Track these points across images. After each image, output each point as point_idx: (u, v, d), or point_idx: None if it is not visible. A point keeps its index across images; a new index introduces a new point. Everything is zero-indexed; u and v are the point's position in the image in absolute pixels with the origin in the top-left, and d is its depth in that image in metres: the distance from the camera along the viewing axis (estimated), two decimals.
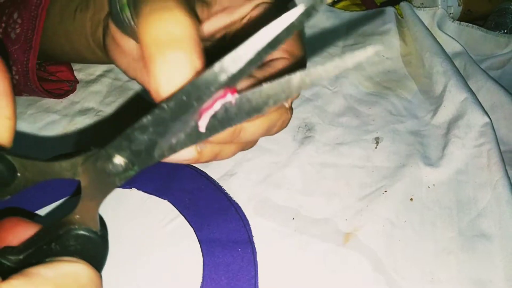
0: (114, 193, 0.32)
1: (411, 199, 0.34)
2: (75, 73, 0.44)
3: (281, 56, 0.25)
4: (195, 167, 0.36)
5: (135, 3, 0.22)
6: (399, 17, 0.53)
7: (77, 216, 0.19)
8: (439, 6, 0.51)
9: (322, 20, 0.53)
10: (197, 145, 0.20)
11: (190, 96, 0.16)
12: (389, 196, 0.34)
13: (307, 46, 0.49)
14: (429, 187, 0.35)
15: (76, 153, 0.19)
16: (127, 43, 0.27)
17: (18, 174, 0.19)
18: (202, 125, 0.18)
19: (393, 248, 0.31)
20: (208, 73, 0.16)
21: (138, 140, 0.17)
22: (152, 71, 0.18)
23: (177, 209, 0.33)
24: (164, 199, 0.34)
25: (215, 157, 0.23)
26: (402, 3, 0.52)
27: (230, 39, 0.28)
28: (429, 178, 0.36)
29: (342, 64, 0.15)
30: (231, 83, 0.16)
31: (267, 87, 0.16)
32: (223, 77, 0.16)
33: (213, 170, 0.36)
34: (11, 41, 0.35)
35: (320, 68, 0.15)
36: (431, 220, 0.33)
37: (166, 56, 0.18)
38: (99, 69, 0.45)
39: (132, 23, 0.24)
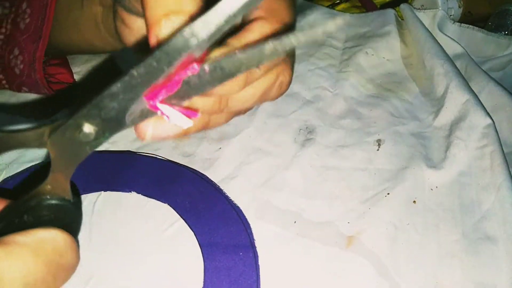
0: (114, 197, 0.32)
1: (414, 201, 0.34)
2: (74, 76, 0.43)
3: (259, 16, 0.22)
4: (195, 170, 0.35)
5: None
6: (400, 19, 0.53)
7: (48, 186, 0.19)
8: (440, 8, 0.51)
9: (322, 22, 0.53)
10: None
11: (160, 61, 0.16)
12: (392, 199, 0.34)
13: (307, 47, 0.49)
14: (432, 189, 0.35)
15: (42, 123, 0.18)
16: (135, 22, 0.27)
17: None
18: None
19: (396, 252, 0.31)
20: (178, 38, 0.16)
21: (108, 107, 0.17)
22: (158, 36, 0.18)
23: (177, 212, 0.33)
24: (164, 202, 0.33)
25: (205, 127, 0.22)
26: (402, 5, 0.52)
27: None
28: (432, 180, 0.36)
29: (312, 33, 0.16)
30: (201, 48, 0.16)
31: (240, 55, 0.17)
32: (193, 42, 0.16)
33: (214, 173, 0.35)
34: (20, 31, 0.35)
35: (292, 37, 0.16)
36: (434, 222, 0.33)
37: (173, 23, 0.18)
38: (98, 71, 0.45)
39: None
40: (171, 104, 0.18)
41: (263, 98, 0.22)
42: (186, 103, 0.18)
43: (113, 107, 0.17)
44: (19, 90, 0.39)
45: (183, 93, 0.18)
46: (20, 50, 0.35)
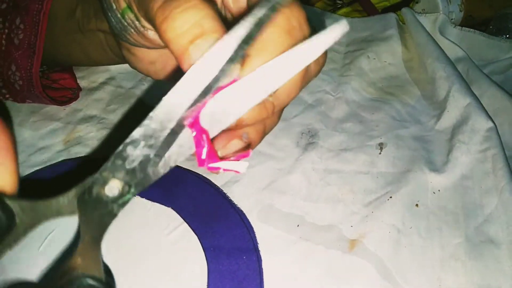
0: None
1: (417, 205, 0.34)
2: (78, 81, 0.44)
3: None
4: (199, 174, 0.36)
5: (140, 1, 0.21)
6: (401, 23, 0.53)
7: (79, 259, 0.18)
8: (441, 12, 0.51)
9: (323, 26, 0.53)
10: (242, 137, 0.20)
11: (179, 97, 0.16)
12: (395, 202, 0.34)
13: None
14: (434, 192, 0.35)
15: (70, 181, 0.18)
16: (141, 52, 0.27)
17: (17, 220, 0.17)
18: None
19: (399, 255, 0.31)
20: (194, 70, 0.15)
21: (131, 156, 0.17)
22: (192, 62, 0.18)
23: (181, 216, 0.33)
24: (168, 206, 0.33)
25: (264, 134, 0.21)
26: (403, 9, 0.52)
27: None
28: (434, 184, 0.36)
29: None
30: (225, 74, 0.16)
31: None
32: (212, 72, 0.15)
33: (217, 177, 0.35)
34: (14, 47, 0.35)
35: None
36: (437, 226, 0.33)
37: (202, 46, 0.17)
38: (102, 76, 0.45)
39: (138, 24, 0.23)
40: (220, 159, 0.18)
41: (306, 80, 0.20)
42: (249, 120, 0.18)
43: (136, 156, 0.17)
44: (23, 102, 0.40)
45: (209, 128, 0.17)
46: (16, 66, 0.35)
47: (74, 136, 0.39)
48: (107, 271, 0.18)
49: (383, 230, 0.32)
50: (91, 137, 0.39)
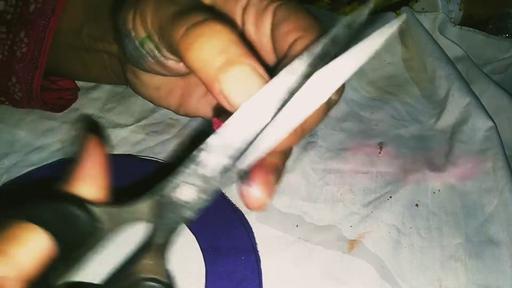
0: None
1: (417, 205, 0.34)
2: (77, 82, 0.43)
3: (294, 36, 0.22)
4: None
5: (162, 31, 0.21)
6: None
7: (149, 262, 0.18)
8: (440, 11, 0.51)
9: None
10: (276, 170, 0.20)
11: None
12: (394, 202, 0.34)
13: None
14: (434, 192, 0.35)
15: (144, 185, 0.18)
16: (147, 77, 0.27)
17: (98, 225, 0.17)
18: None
19: (399, 255, 0.31)
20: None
21: (206, 162, 0.17)
22: (223, 91, 0.18)
23: None
24: None
25: (287, 158, 0.22)
26: (403, 8, 0.52)
27: None
28: (434, 184, 0.35)
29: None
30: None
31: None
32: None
33: None
34: (16, 59, 0.35)
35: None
36: (437, 226, 0.33)
37: (231, 73, 0.17)
38: None
39: (157, 53, 0.23)
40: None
41: (328, 108, 0.21)
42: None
43: (211, 163, 0.17)
44: (23, 108, 0.40)
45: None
46: (17, 78, 0.35)
47: (71, 135, 0.39)
48: (169, 275, 0.18)
49: (383, 230, 0.32)
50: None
